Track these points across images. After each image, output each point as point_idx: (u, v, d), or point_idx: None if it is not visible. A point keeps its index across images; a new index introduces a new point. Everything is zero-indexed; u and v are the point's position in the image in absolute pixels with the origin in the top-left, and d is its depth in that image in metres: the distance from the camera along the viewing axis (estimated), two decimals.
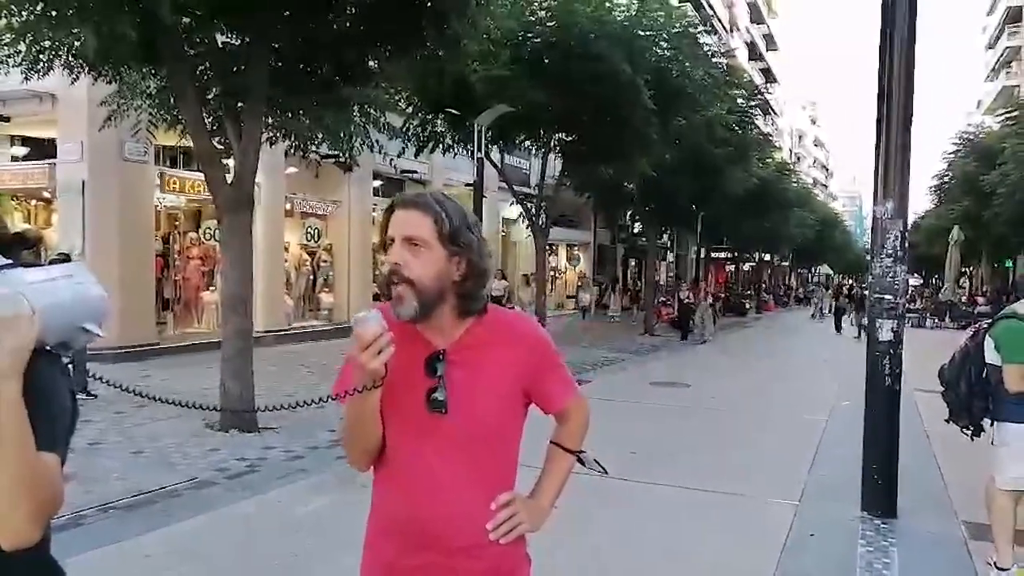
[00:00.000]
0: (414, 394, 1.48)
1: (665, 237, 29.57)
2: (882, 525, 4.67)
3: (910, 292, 36.35)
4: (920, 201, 44.44)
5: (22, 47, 6.67)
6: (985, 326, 4.04)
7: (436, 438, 1.48)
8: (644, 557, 4.05)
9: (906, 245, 4.85)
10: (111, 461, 5.89)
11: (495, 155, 15.38)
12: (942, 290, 30.60)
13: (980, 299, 28.11)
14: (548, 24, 12.19)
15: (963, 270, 36.97)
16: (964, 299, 29.41)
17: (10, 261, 1.25)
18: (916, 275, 63.07)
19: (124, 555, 4.03)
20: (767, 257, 44.89)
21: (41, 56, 6.79)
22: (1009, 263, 34.06)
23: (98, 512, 4.71)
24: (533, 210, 15.53)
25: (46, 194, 12.76)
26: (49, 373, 1.23)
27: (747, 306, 32.96)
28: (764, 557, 4.11)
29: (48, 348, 1.24)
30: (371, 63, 7.74)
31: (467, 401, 1.47)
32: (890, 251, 4.85)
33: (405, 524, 1.51)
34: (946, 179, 33.45)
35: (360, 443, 1.54)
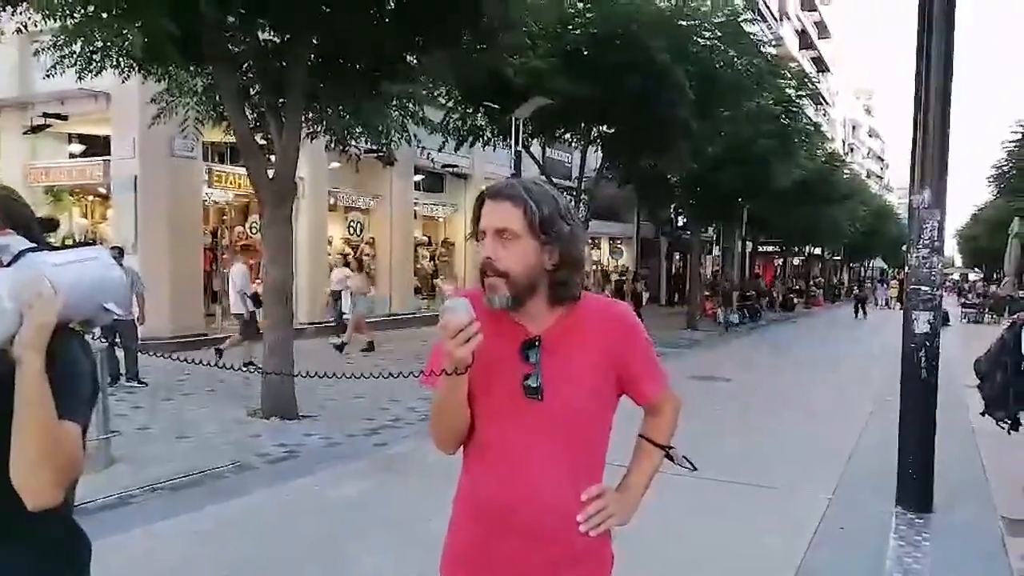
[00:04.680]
0: (507, 380, 1.47)
1: (710, 230, 29.14)
2: (916, 520, 4.59)
3: (971, 286, 35.16)
4: (980, 192, 42.89)
5: (76, 48, 6.96)
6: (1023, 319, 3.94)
7: (528, 424, 1.47)
8: (669, 546, 4.06)
9: (943, 236, 4.74)
10: (158, 445, 6.15)
11: (536, 148, 15.40)
12: (1002, 284, 29.51)
13: None
14: (588, 15, 12.12)
15: None
16: None
17: (35, 244, 1.36)
18: (976, 269, 60.90)
19: (168, 533, 4.22)
20: (817, 251, 43.88)
21: (94, 56, 7.10)
22: None
23: (146, 492, 4.93)
24: (574, 203, 15.50)
25: (101, 190, 13.27)
26: (71, 348, 1.34)
27: (795, 301, 32.31)
28: (791, 549, 4.09)
29: (71, 326, 1.35)
30: (409, 58, 7.85)
31: (561, 388, 1.46)
32: (927, 241, 4.74)
33: (493, 509, 1.50)
34: (1006, 168, 32.16)
35: (446, 427, 1.53)
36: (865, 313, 27.76)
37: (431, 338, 1.41)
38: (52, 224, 1.49)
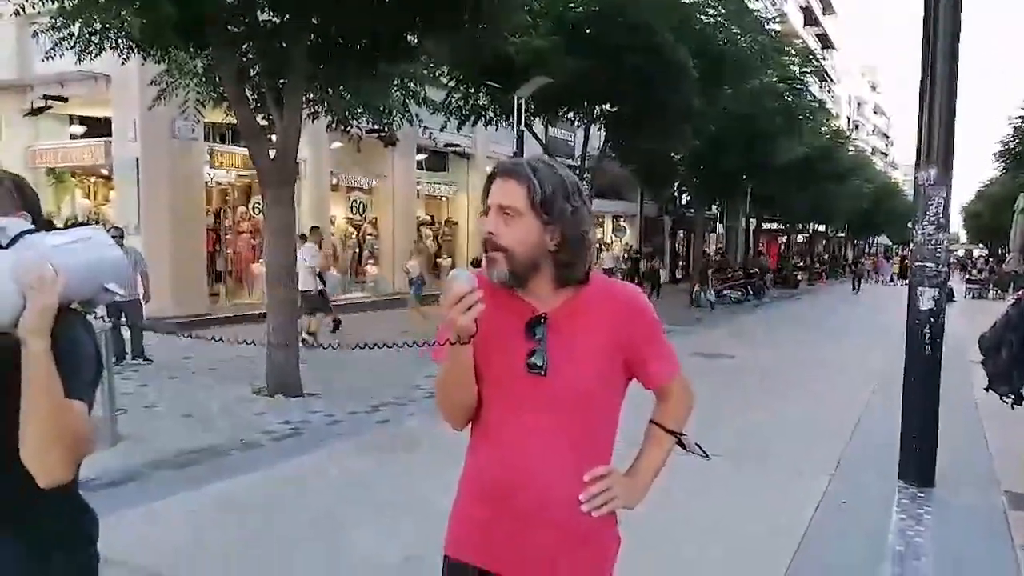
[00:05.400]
0: (513, 356, 1.47)
1: (714, 208, 29.03)
2: (918, 494, 4.62)
3: (975, 263, 35.24)
4: (986, 169, 42.65)
5: (75, 29, 6.91)
6: None
7: (532, 402, 1.47)
8: (667, 524, 4.08)
9: (948, 212, 4.72)
10: (163, 422, 6.19)
11: (538, 127, 15.31)
12: (1006, 261, 29.44)
13: None
14: None
15: None
16: None
17: (33, 226, 1.36)
18: (981, 245, 60.62)
19: (174, 509, 4.27)
20: (821, 228, 43.72)
21: (93, 38, 7.04)
22: None
23: (151, 469, 4.97)
24: None
25: (103, 171, 13.24)
26: (74, 328, 1.34)
27: (799, 278, 32.30)
28: (793, 524, 4.11)
29: (72, 306, 1.35)
30: (410, 37, 7.79)
31: (565, 366, 1.46)
32: (932, 218, 4.72)
33: (495, 490, 1.50)
34: (1012, 144, 31.90)
35: (452, 400, 1.55)
36: (859, 288, 29.38)
37: (435, 316, 1.42)
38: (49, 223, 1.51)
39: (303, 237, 11.98)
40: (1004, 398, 3.99)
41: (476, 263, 15.04)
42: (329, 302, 10.77)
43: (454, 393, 1.53)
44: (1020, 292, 4.14)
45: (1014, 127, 31.41)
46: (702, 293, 19.29)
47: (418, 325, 11.54)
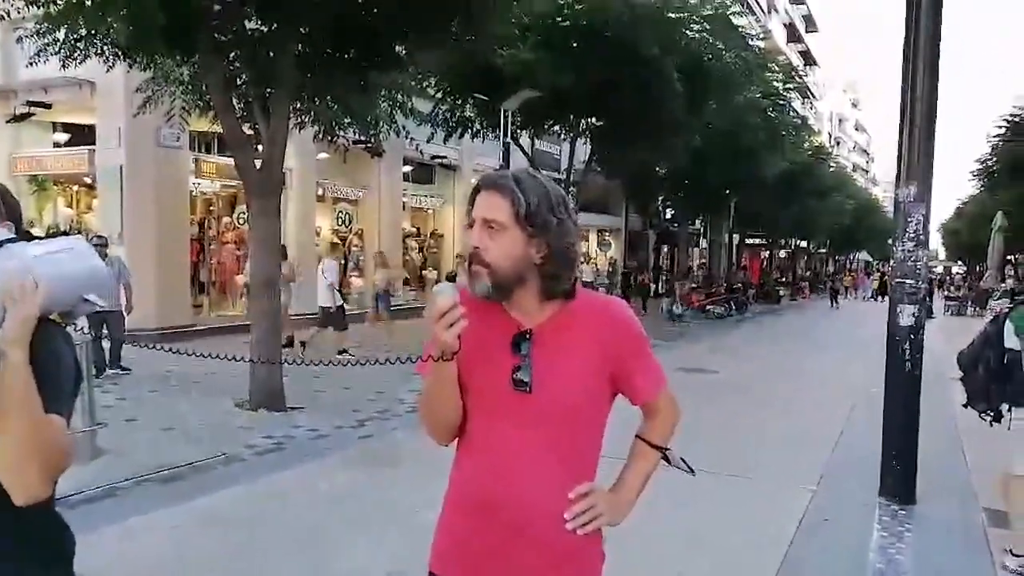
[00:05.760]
0: (498, 372, 1.46)
1: (698, 223, 29.22)
2: (899, 511, 4.65)
3: (952, 279, 35.72)
4: (964, 187, 43.31)
5: (60, 35, 6.87)
6: (1006, 311, 3.98)
7: (517, 418, 1.46)
8: (651, 540, 4.08)
9: (928, 229, 4.79)
10: (144, 436, 6.11)
11: (525, 140, 15.37)
12: (984, 278, 29.83)
13: None
14: (577, 6, 12.10)
15: (1009, 258, 35.87)
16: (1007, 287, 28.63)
17: (13, 236, 1.34)
18: (960, 262, 61.36)
19: (155, 525, 4.21)
20: (803, 244, 44.12)
21: (78, 44, 7.02)
22: None
23: (132, 484, 4.90)
24: None
25: (87, 180, 13.11)
26: (54, 340, 1.32)
27: (781, 293, 32.56)
28: (776, 540, 4.13)
29: (51, 317, 1.33)
30: (398, 48, 7.81)
31: (551, 381, 1.45)
32: (912, 235, 4.79)
33: (480, 505, 1.49)
34: (990, 163, 32.39)
35: (436, 414, 1.53)
36: (837, 303, 30.20)
37: (421, 329, 1.41)
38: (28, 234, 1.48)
39: (284, 249, 11.95)
40: (982, 415, 4.02)
41: (451, 277, 15.01)
42: (345, 319, 10.82)
43: (438, 408, 1.52)
44: (998, 309, 4.19)
45: (991, 145, 31.90)
46: (672, 306, 19.42)
47: (386, 338, 11.51)
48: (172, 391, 7.97)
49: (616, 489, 1.58)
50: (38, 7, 6.35)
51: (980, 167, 33.31)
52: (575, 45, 11.90)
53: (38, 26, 6.84)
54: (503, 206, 1.43)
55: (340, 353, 10.14)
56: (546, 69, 11.30)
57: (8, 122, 12.25)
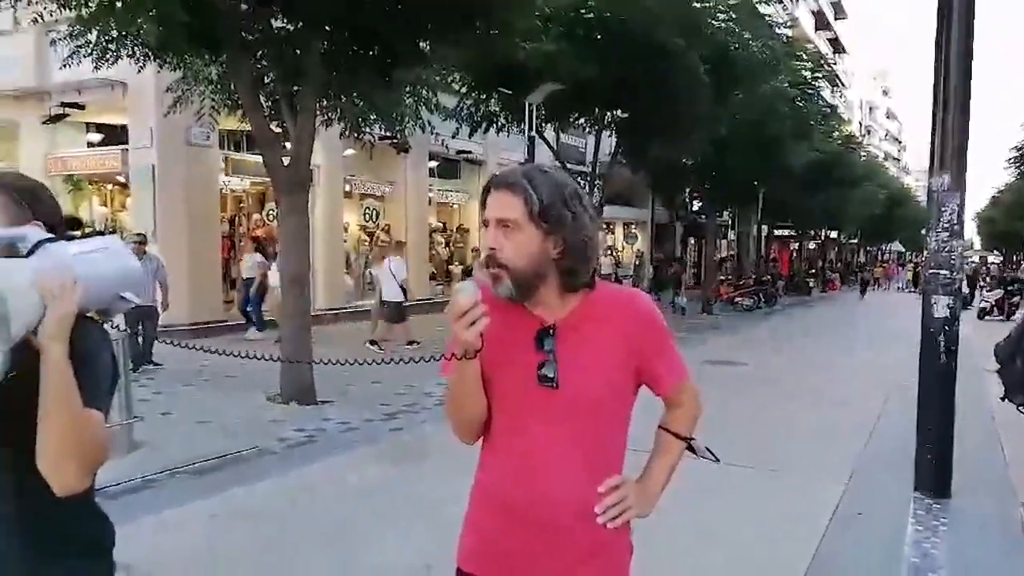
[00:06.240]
0: (523, 369, 1.46)
1: (725, 215, 28.91)
2: (934, 505, 4.57)
3: (988, 270, 34.91)
4: (1000, 174, 42.26)
5: (92, 37, 7.00)
6: None
7: (543, 414, 1.45)
8: (684, 533, 4.07)
9: (963, 219, 4.69)
10: (179, 429, 6.24)
11: (549, 133, 15.32)
12: (1022, 268, 29.15)
13: None
14: None
15: None
16: None
17: (52, 235, 1.38)
18: (995, 252, 59.99)
19: (189, 517, 4.29)
20: (833, 235, 43.43)
21: (109, 46, 7.14)
22: None
23: (167, 476, 5.01)
24: (587, 188, 15.43)
25: (120, 179, 13.36)
26: (92, 337, 1.35)
27: (811, 285, 32.13)
28: (808, 534, 4.09)
29: (88, 314, 1.37)
30: (422, 45, 7.83)
31: (576, 376, 1.44)
32: (946, 225, 4.70)
33: (508, 503, 1.49)
34: None
35: (462, 413, 1.53)
36: (865, 295, 30.27)
37: (446, 325, 1.41)
38: (75, 223, 1.51)
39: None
40: (1020, 408, 3.95)
41: (468, 271, 15.01)
42: (403, 313, 11.22)
43: (463, 407, 1.52)
44: None
45: None
46: (675, 298, 19.21)
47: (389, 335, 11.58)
48: (205, 385, 8.11)
49: (643, 480, 1.58)
50: (70, 9, 6.47)
51: (1017, 154, 32.55)
52: (599, 37, 11.83)
53: (71, 28, 6.98)
54: (516, 204, 1.42)
55: (371, 343, 10.56)
56: (569, 61, 11.23)
57: (43, 123, 12.52)
